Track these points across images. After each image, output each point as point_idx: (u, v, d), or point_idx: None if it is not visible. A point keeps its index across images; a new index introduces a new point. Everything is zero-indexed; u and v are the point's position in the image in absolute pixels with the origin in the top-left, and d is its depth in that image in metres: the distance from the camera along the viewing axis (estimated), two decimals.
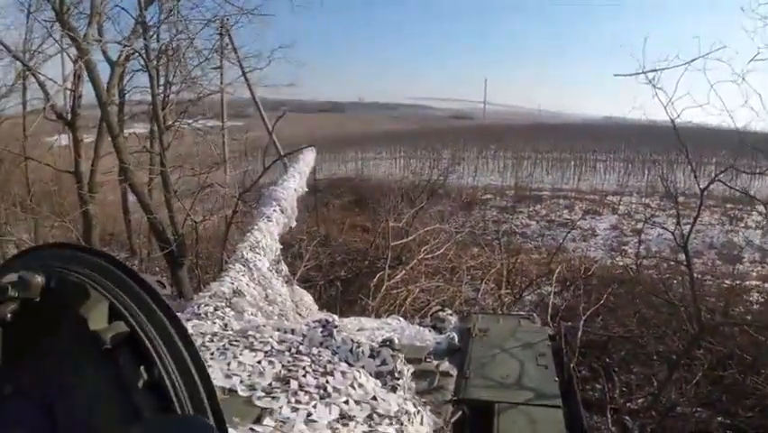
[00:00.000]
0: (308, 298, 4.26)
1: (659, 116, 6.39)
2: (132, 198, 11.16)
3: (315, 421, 1.61)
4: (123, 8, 9.32)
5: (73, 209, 10.61)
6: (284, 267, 4.29)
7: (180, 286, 8.73)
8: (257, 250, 3.88)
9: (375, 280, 8.44)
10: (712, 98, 5.70)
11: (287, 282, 4.12)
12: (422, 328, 3.46)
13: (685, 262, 6.69)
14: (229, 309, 2.89)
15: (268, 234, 4.14)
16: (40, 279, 0.93)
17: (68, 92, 10.12)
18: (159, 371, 0.90)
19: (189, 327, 2.72)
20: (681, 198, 8.87)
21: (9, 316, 0.90)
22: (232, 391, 1.73)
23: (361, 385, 1.88)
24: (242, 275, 3.52)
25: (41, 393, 0.96)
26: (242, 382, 1.78)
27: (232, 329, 2.65)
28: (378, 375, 2.12)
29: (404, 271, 8.94)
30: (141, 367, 0.90)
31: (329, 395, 1.78)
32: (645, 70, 5.77)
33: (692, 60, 5.60)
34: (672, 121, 5.88)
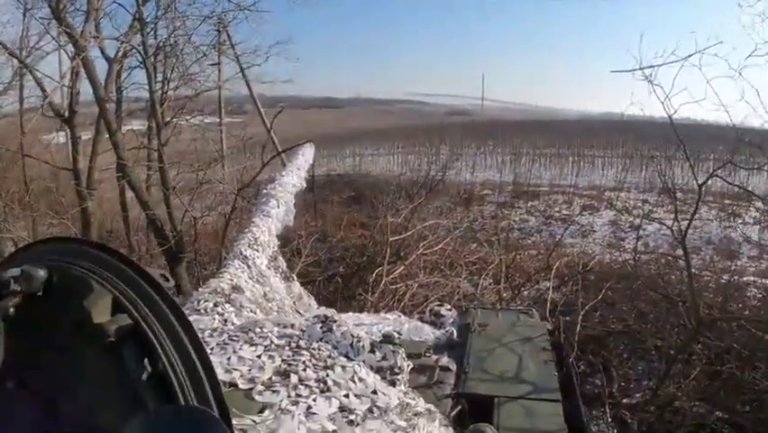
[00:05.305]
0: (306, 294, 4.27)
1: (657, 112, 6.40)
2: (130, 194, 11.15)
3: (315, 414, 1.62)
4: (120, 4, 9.31)
5: (71, 206, 10.59)
6: (282, 263, 4.29)
7: (179, 282, 8.72)
8: (255, 246, 3.87)
9: (374, 275, 8.44)
10: (709, 94, 5.71)
11: (285, 279, 4.13)
12: (421, 324, 3.46)
13: (683, 258, 6.71)
14: (228, 305, 2.88)
15: (266, 229, 4.14)
16: (42, 273, 0.92)
17: (66, 89, 10.11)
18: (163, 363, 0.90)
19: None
20: (678, 194, 8.87)
21: (12, 310, 0.89)
22: (232, 385, 1.74)
23: (361, 379, 1.89)
24: (241, 272, 3.53)
25: (43, 388, 0.96)
26: (242, 376, 1.79)
27: (232, 324, 2.65)
28: (378, 370, 2.14)
29: (402, 267, 8.93)
30: (146, 360, 0.89)
31: (329, 389, 1.79)
32: (642, 66, 5.77)
33: (689, 56, 5.60)
34: (670, 117, 5.89)
